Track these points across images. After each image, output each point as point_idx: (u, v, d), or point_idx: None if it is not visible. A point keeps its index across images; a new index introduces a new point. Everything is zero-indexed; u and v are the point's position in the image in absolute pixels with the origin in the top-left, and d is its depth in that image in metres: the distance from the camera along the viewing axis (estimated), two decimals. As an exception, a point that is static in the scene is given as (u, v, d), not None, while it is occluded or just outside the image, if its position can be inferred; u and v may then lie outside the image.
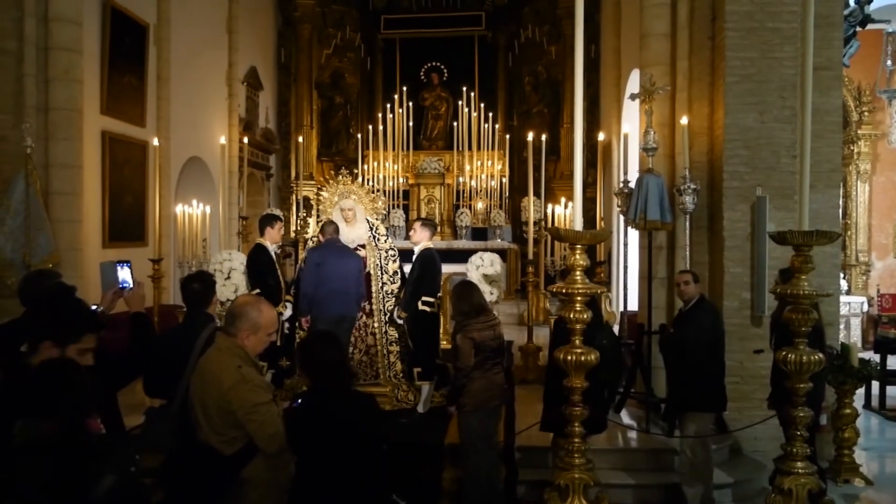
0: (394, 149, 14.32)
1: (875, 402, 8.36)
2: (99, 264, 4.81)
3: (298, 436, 2.94)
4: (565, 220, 11.72)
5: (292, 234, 12.35)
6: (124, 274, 4.16)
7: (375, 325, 6.77)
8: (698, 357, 5.11)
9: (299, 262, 7.48)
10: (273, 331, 3.30)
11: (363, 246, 6.86)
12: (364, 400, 3.15)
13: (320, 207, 7.34)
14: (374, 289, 6.80)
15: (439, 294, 6.92)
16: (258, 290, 6.53)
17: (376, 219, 7.13)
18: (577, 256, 3.31)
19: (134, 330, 3.60)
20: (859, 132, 11.94)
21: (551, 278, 10.51)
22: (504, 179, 14.33)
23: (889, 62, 11.47)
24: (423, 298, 6.62)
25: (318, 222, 7.30)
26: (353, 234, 6.83)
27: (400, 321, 6.73)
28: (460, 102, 14.35)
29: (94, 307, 4.24)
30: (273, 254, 6.94)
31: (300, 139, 13.43)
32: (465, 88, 14.33)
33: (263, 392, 3.09)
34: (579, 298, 3.33)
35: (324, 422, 2.90)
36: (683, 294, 5.42)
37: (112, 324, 4.16)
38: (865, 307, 11.69)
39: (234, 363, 3.08)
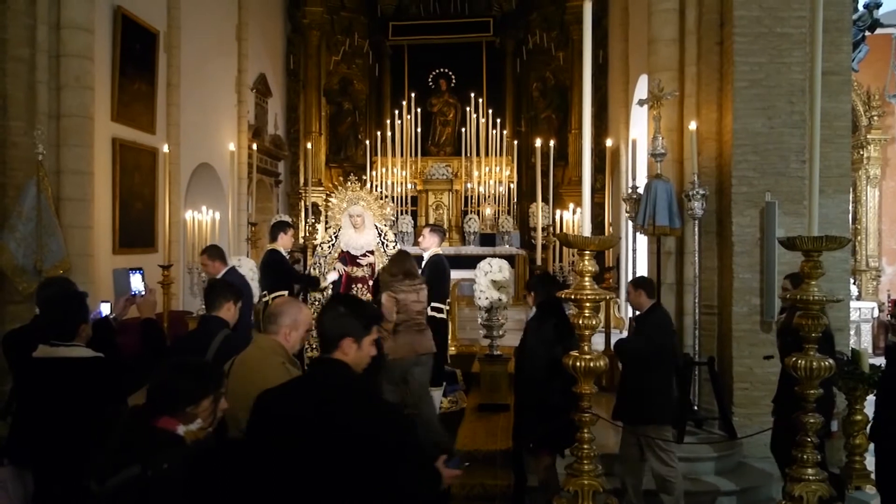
0: (402, 155, 14.35)
1: (886, 409, 8.29)
2: (112, 271, 4.85)
3: None
4: (574, 225, 11.71)
5: (301, 241, 12.39)
6: (136, 281, 4.20)
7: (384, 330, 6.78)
8: (634, 369, 4.99)
9: (307, 268, 7.50)
10: (310, 329, 3.39)
11: (371, 252, 6.88)
12: (388, 409, 3.12)
13: (329, 213, 7.36)
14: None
15: (448, 300, 6.93)
16: (275, 294, 6.54)
17: (385, 225, 7.15)
18: (586, 262, 3.31)
19: (145, 336, 3.64)
20: (869, 137, 11.91)
21: (560, 284, 10.49)
22: (512, 185, 14.34)
23: (898, 67, 11.43)
24: (433, 304, 6.62)
25: (326, 228, 7.32)
26: (361, 240, 6.85)
27: (408, 326, 6.73)
28: (468, 108, 14.37)
29: (104, 313, 4.28)
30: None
31: (309, 145, 13.51)
32: (473, 94, 14.36)
33: None
34: (588, 304, 3.34)
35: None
36: (631, 303, 5.34)
37: (124, 329, 4.21)
38: (876, 312, 11.62)
39: (277, 360, 3.15)
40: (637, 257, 7.50)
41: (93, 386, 3.17)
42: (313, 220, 13.35)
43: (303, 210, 13.92)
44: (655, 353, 4.95)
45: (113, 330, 4.00)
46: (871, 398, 7.05)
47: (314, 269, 6.98)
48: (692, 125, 6.34)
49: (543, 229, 8.86)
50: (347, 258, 6.87)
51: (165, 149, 8.08)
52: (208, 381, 2.62)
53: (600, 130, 12.66)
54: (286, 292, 6.63)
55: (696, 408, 6.37)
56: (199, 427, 2.53)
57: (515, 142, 14.57)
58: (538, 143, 8.60)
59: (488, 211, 14.10)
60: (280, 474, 2.39)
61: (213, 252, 6.27)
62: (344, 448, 2.37)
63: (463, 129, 14.56)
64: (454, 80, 15.56)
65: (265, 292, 6.77)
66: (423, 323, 5.98)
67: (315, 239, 10.48)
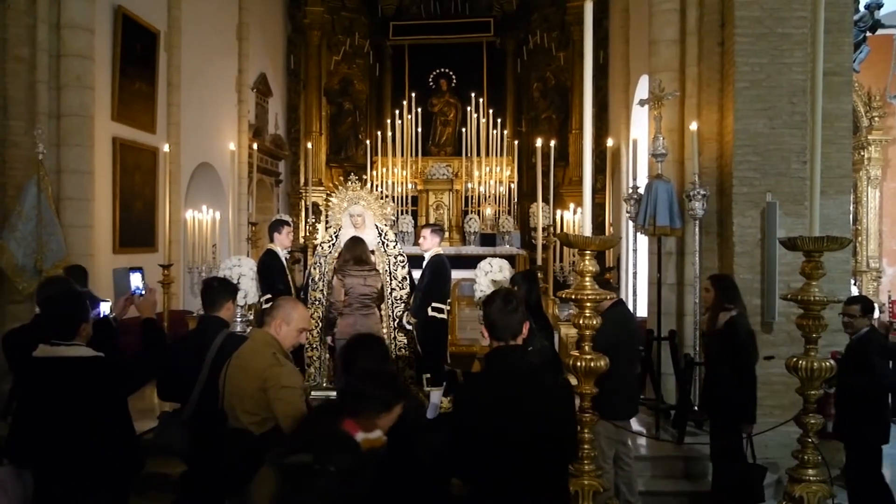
0: (402, 155, 14.34)
1: (887, 409, 8.28)
2: (112, 271, 4.84)
3: None
4: (574, 225, 11.71)
5: (301, 240, 12.38)
6: (136, 280, 4.20)
7: (384, 330, 6.77)
8: None
9: (308, 267, 7.49)
10: (304, 327, 3.47)
11: (372, 252, 6.86)
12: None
13: (329, 213, 7.35)
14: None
15: (449, 300, 6.92)
16: (269, 296, 6.54)
17: (385, 225, 7.13)
18: (587, 262, 3.31)
19: (145, 335, 3.63)
20: (870, 137, 11.88)
21: (560, 284, 10.49)
22: (513, 185, 14.33)
23: (899, 67, 11.41)
24: (433, 305, 6.62)
25: (326, 228, 7.31)
26: (362, 239, 6.84)
27: (409, 327, 6.73)
28: (469, 108, 14.36)
29: (104, 313, 4.28)
30: (283, 259, 6.96)
31: (309, 145, 13.50)
32: (473, 94, 14.35)
33: (293, 377, 3.28)
34: (589, 304, 3.33)
35: None
36: None
37: (125, 329, 4.21)
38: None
39: (269, 351, 3.28)
40: (638, 257, 7.49)
41: (93, 385, 3.17)
42: (314, 220, 13.33)
43: (303, 210, 13.91)
44: (609, 349, 4.97)
45: (113, 329, 3.99)
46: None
47: (314, 268, 6.96)
48: (693, 125, 6.34)
49: (544, 229, 8.84)
50: (348, 258, 6.86)
51: (166, 148, 8.07)
52: (399, 391, 2.75)
53: (601, 131, 12.65)
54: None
55: (696, 408, 6.36)
56: (377, 437, 2.61)
57: (516, 142, 14.57)
58: (539, 143, 8.60)
59: (489, 211, 14.09)
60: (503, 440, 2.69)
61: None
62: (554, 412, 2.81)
63: (463, 130, 14.55)
64: (455, 81, 15.57)
65: (260, 294, 6.78)
66: (371, 306, 6.37)
67: (315, 238, 10.46)
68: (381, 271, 6.81)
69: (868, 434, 4.94)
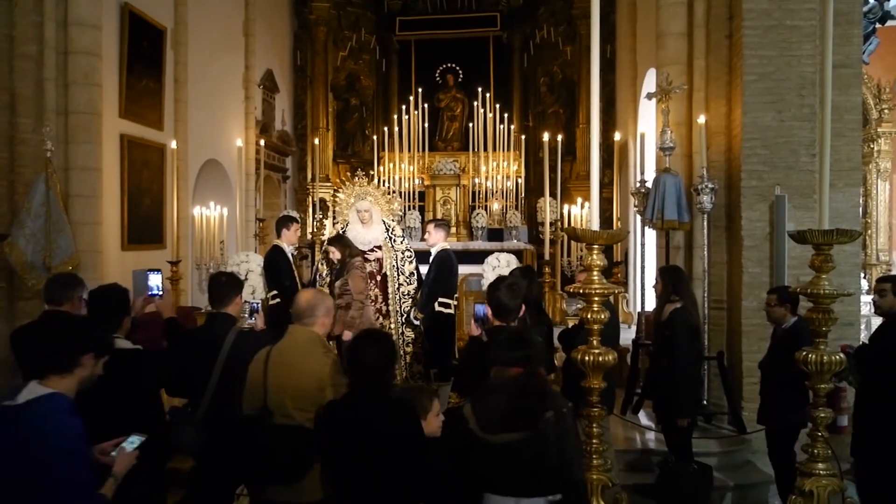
0: (409, 150, 14.32)
1: (897, 404, 8.24)
2: (132, 272, 4.95)
3: (331, 433, 2.97)
4: (581, 220, 11.69)
5: (308, 236, 12.40)
6: (156, 281, 4.31)
7: (392, 326, 6.77)
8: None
9: (315, 263, 7.50)
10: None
11: (379, 247, 6.87)
12: (403, 407, 3.11)
13: (336, 209, 7.36)
14: (390, 290, 6.80)
15: (456, 295, 6.92)
16: (275, 292, 6.56)
17: (392, 220, 7.13)
18: (594, 257, 3.30)
19: (170, 333, 3.73)
20: (879, 130, 11.78)
21: (568, 279, 10.47)
22: (520, 180, 14.29)
23: (909, 59, 11.32)
24: (440, 300, 6.62)
25: (333, 224, 7.31)
26: (369, 235, 6.84)
27: (416, 322, 6.73)
28: (476, 103, 14.33)
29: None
30: (290, 255, 6.97)
31: (316, 141, 13.50)
32: (480, 89, 14.30)
33: (343, 375, 3.41)
34: (597, 299, 3.32)
35: (357, 424, 2.93)
36: None
37: (142, 324, 4.28)
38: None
39: (319, 350, 3.43)
40: (645, 252, 7.48)
41: (133, 376, 3.34)
42: (321, 216, 13.35)
43: (310, 206, 13.89)
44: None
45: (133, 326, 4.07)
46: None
47: (322, 264, 6.97)
48: (701, 119, 6.31)
49: (551, 224, 8.82)
50: (355, 253, 6.86)
51: (173, 145, 8.09)
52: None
53: (608, 125, 12.60)
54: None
55: (705, 402, 6.35)
56: None
57: (523, 137, 14.53)
58: (546, 137, 8.60)
59: (496, 206, 14.05)
60: None
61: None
62: None
63: (470, 125, 14.52)
64: (461, 76, 15.53)
65: (266, 290, 6.80)
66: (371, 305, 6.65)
67: (323, 234, 10.48)
68: (387, 266, 6.82)
69: (792, 420, 4.86)
